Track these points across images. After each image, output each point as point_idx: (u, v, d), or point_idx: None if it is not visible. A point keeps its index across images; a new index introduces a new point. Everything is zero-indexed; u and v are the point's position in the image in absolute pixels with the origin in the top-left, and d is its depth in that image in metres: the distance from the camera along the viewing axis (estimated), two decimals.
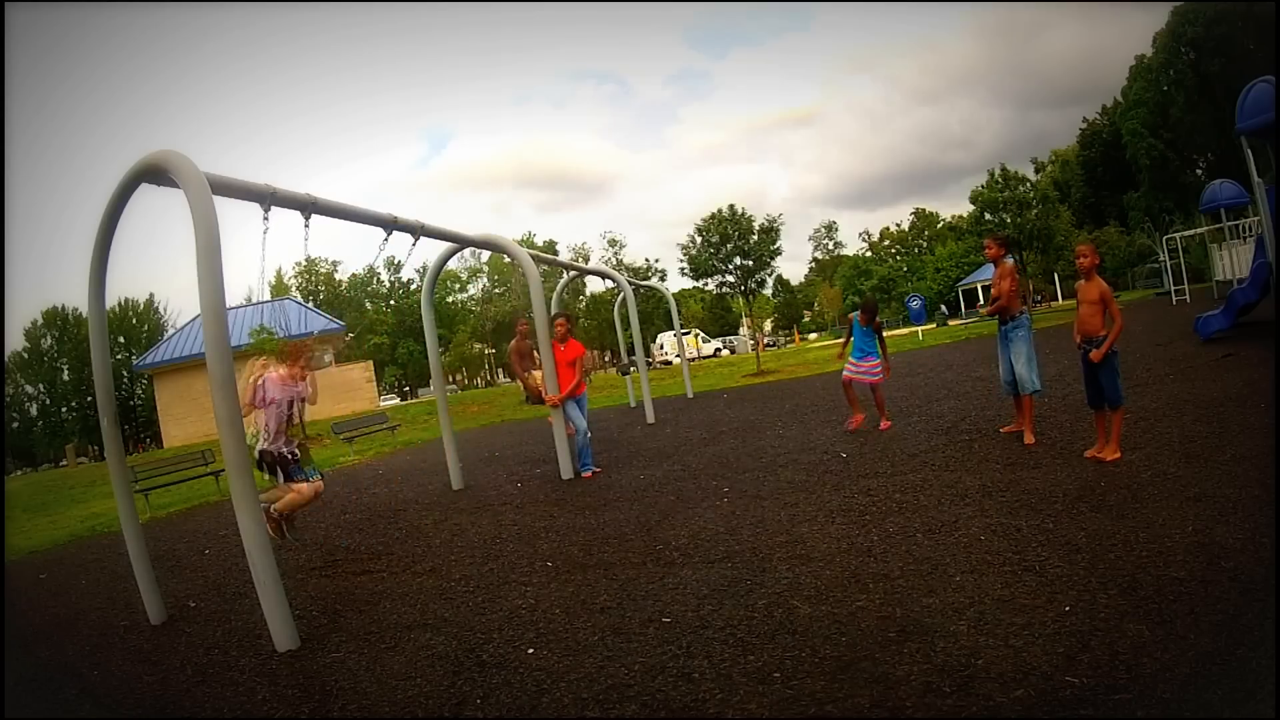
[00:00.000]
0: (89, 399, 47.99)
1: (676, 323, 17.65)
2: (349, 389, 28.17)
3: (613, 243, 43.57)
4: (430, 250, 7.62)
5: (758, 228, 20.23)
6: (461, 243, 7.47)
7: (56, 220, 77.64)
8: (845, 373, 7.62)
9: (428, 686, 2.94)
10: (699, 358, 36.10)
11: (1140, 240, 36.99)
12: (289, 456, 5.25)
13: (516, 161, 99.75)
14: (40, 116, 73.94)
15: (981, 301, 37.44)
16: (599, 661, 2.91)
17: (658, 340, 40.03)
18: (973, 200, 26.52)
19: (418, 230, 6.23)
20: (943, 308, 43.25)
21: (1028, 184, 26.11)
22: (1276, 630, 2.29)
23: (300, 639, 3.66)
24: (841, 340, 8.22)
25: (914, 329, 30.60)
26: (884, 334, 7.65)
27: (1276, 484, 3.59)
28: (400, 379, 57.33)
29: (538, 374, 7.72)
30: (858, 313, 7.65)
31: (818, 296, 66.26)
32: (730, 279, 21.05)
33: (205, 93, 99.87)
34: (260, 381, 5.14)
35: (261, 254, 4.39)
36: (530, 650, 3.13)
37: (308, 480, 5.32)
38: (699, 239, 21.00)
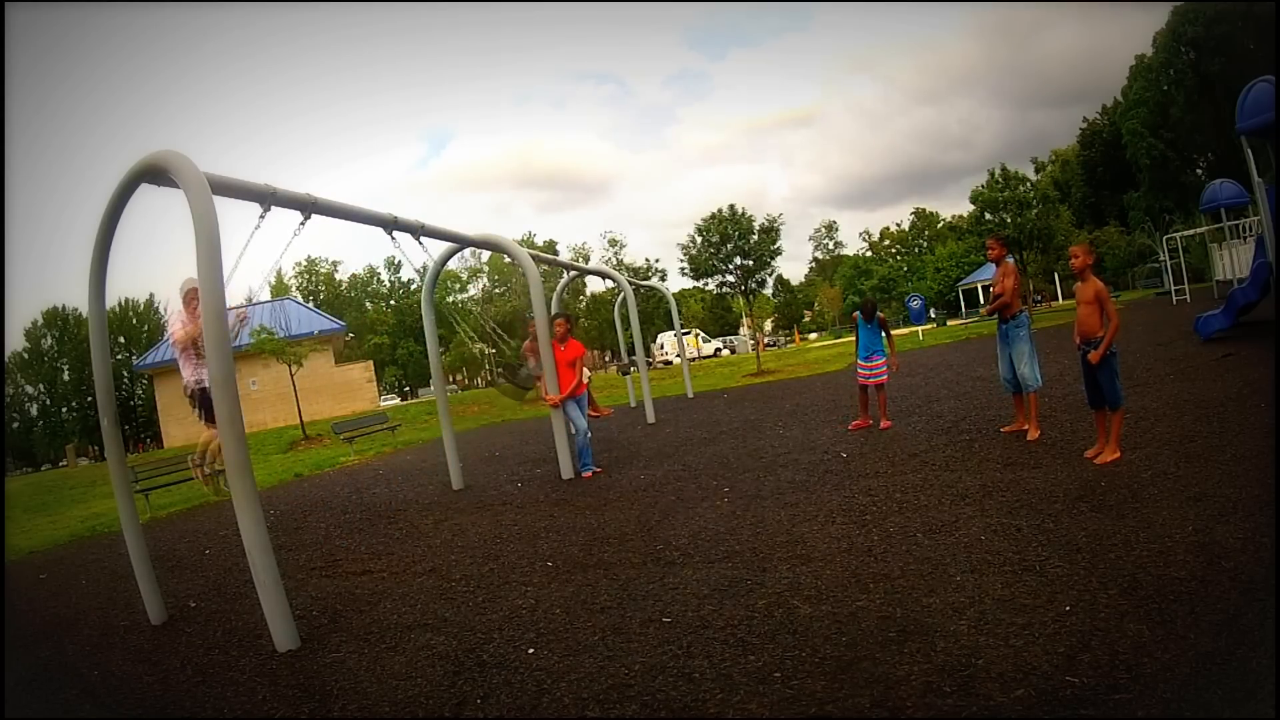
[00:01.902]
0: (89, 399, 48.04)
1: (677, 323, 17.66)
2: (349, 389, 28.19)
3: (613, 243, 43.68)
4: (430, 250, 7.62)
5: (758, 228, 20.22)
6: (461, 243, 7.47)
7: (56, 220, 77.81)
8: (859, 376, 7.63)
9: (428, 686, 2.94)
10: (699, 358, 36.10)
11: (1140, 240, 37.04)
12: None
13: (516, 161, 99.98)
14: (40, 116, 74.07)
15: (982, 301, 37.43)
16: (599, 661, 2.91)
17: (658, 340, 40.03)
18: (973, 200, 26.48)
19: (418, 230, 6.24)
20: (932, 312, 43.12)
21: (1028, 184, 26.06)
22: (1276, 630, 2.29)
23: (300, 639, 3.66)
24: (852, 340, 8.24)
25: (914, 329, 30.59)
26: (890, 331, 7.63)
27: (1276, 484, 3.58)
28: (400, 379, 57.35)
29: None
30: (859, 312, 7.70)
31: (818, 296, 66.26)
32: (730, 279, 21.04)
33: (205, 93, 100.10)
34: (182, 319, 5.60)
35: (242, 251, 4.35)
36: (530, 650, 3.13)
37: None
38: (699, 239, 20.98)
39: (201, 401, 5.47)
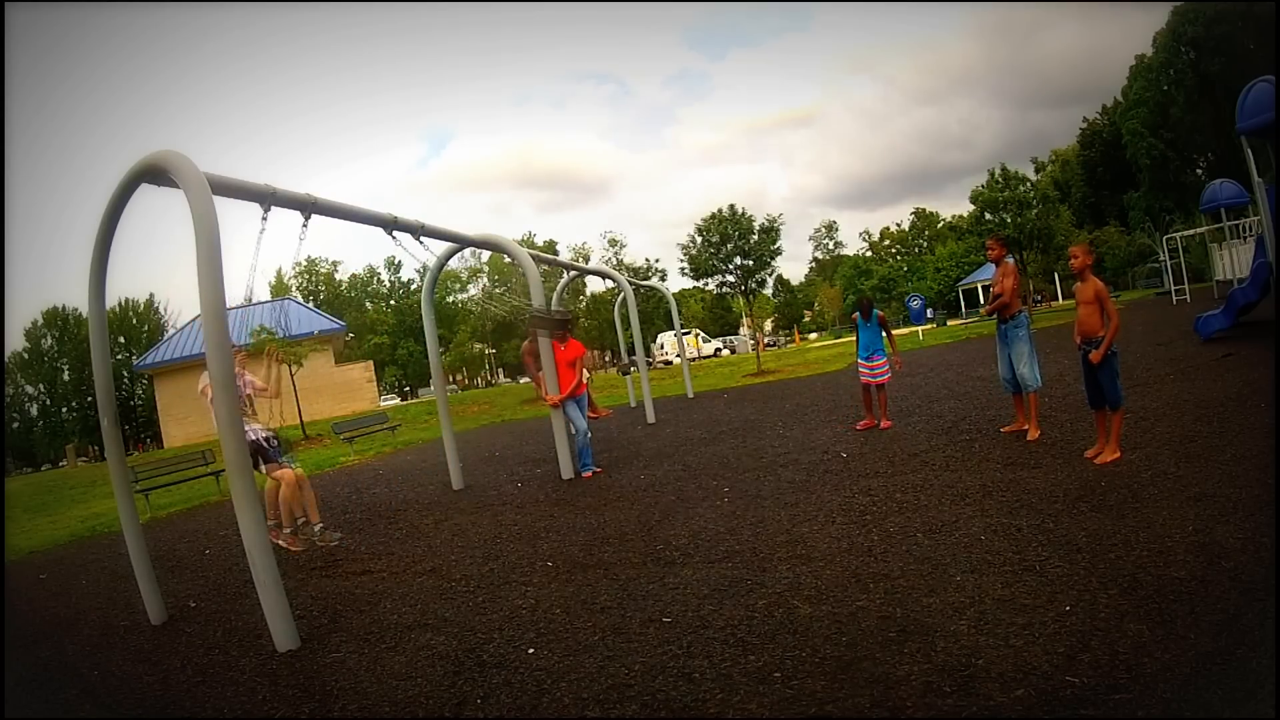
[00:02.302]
0: (89, 399, 48.00)
1: (677, 323, 17.64)
2: (349, 389, 28.18)
3: (613, 243, 43.59)
4: (430, 250, 7.62)
5: (758, 228, 20.20)
6: (461, 243, 7.46)
7: (56, 220, 77.76)
8: (862, 376, 7.59)
9: (428, 686, 2.94)
10: (699, 358, 36.10)
11: (1140, 240, 37.05)
12: (264, 442, 5.37)
13: (516, 161, 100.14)
14: (40, 116, 74.05)
15: (982, 301, 37.43)
16: (599, 661, 2.92)
17: (658, 340, 40.02)
18: (973, 200, 26.49)
19: (418, 230, 6.23)
20: (930, 312, 43.02)
21: (1028, 184, 26.07)
22: (1276, 630, 2.29)
23: (300, 639, 3.66)
24: (852, 339, 8.20)
25: (914, 329, 30.59)
26: (890, 329, 7.55)
27: (1276, 484, 3.58)
28: (400, 379, 57.34)
29: None
30: (857, 312, 7.69)
31: (818, 296, 66.27)
32: (730, 279, 21.02)
33: (205, 93, 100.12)
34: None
35: (255, 254, 4.37)
36: (531, 650, 3.13)
37: (290, 467, 5.38)
38: (699, 239, 20.96)
39: (250, 455, 5.38)
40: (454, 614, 3.77)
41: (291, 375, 19.46)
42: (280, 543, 5.38)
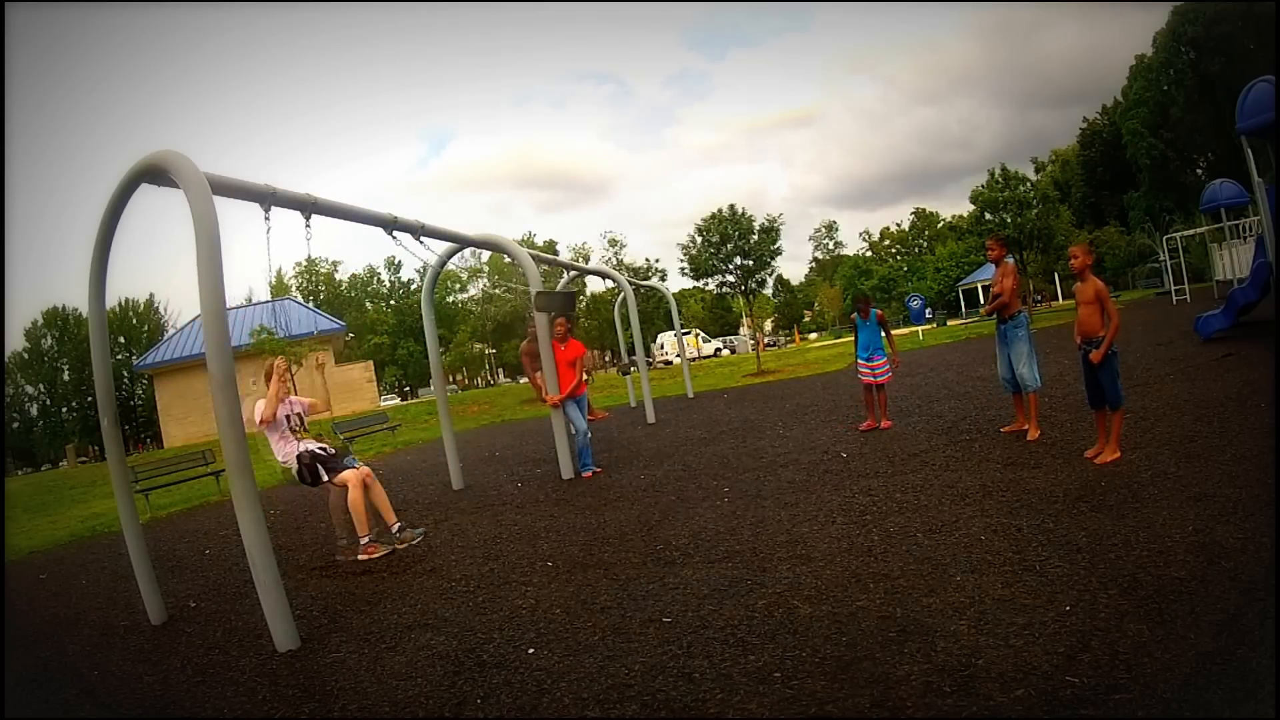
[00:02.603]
0: (89, 399, 48.00)
1: (677, 323, 17.63)
2: (349, 389, 28.19)
3: (613, 243, 43.70)
4: (431, 249, 7.62)
5: (758, 228, 20.20)
6: (462, 243, 7.46)
7: (56, 220, 77.76)
8: (862, 376, 7.53)
9: (428, 686, 2.94)
10: (699, 357, 36.10)
11: (1140, 240, 37.07)
12: (319, 452, 5.19)
13: (516, 161, 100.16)
14: (40, 116, 74.05)
15: (982, 301, 37.41)
16: (599, 661, 2.92)
17: (658, 340, 40.03)
18: (973, 200, 26.50)
19: (418, 230, 6.23)
20: (929, 312, 42.89)
21: (1028, 184, 26.07)
22: (1276, 630, 2.30)
23: (300, 639, 3.67)
24: (852, 340, 8.15)
25: (914, 329, 30.57)
26: (889, 327, 7.46)
27: (1276, 484, 3.58)
28: (400, 379, 57.35)
29: None
30: (855, 313, 7.66)
31: (818, 296, 66.29)
32: (730, 279, 21.02)
33: (205, 93, 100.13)
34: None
35: (268, 254, 4.41)
36: (531, 650, 3.13)
37: (353, 468, 5.22)
38: (699, 239, 20.96)
39: (309, 467, 5.08)
40: (454, 614, 3.77)
41: (292, 375, 19.46)
42: (361, 556, 5.11)
